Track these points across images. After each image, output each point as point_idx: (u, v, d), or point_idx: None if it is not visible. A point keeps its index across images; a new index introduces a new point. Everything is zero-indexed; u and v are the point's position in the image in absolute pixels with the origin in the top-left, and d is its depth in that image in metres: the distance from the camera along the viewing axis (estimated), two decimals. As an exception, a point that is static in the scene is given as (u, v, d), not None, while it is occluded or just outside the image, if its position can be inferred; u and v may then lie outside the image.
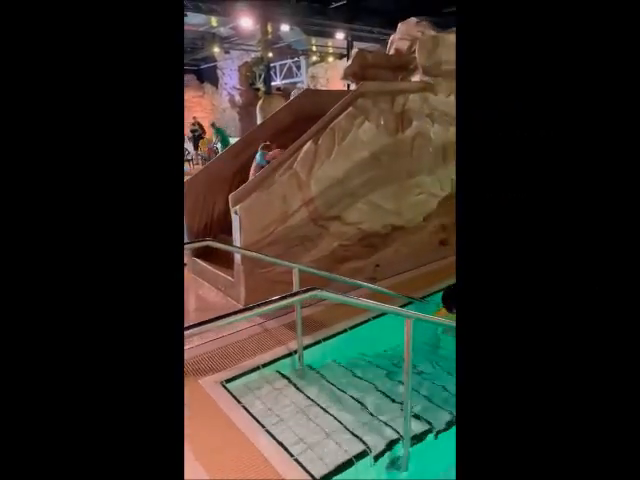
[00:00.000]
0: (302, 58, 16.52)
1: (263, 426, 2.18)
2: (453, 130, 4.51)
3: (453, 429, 2.36)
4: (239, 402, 2.38)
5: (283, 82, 17.65)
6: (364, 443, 2.10)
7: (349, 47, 13.29)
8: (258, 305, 1.57)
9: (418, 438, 2.23)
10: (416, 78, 4.60)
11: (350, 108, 3.74)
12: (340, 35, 13.25)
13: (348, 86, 8.25)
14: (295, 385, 2.61)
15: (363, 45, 13.03)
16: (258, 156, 4.44)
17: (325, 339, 3.06)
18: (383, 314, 3.23)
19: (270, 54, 12.92)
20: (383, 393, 2.62)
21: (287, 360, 2.85)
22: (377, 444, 2.13)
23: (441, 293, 3.80)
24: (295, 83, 17.22)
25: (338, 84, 12.35)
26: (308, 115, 4.43)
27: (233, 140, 9.16)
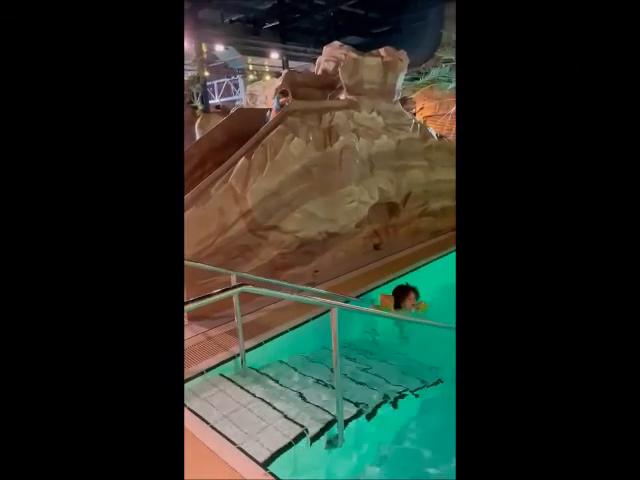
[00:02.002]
0: (239, 77, 16.76)
1: (207, 423, 2.32)
2: (378, 143, 4.95)
3: (383, 407, 2.64)
4: (184, 405, 2.49)
5: (222, 100, 17.76)
6: (302, 427, 2.31)
7: (285, 66, 13.74)
8: (194, 300, 1.74)
9: (352, 418, 2.47)
10: (342, 97, 5.00)
11: (280, 125, 4.02)
12: (275, 55, 13.67)
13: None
14: (238, 385, 2.77)
15: (298, 64, 13.56)
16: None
17: (267, 341, 3.24)
18: (321, 314, 3.49)
19: (206, 73, 13.03)
20: (322, 384, 2.85)
21: (231, 363, 3.00)
22: (314, 427, 2.34)
23: (375, 291, 4.17)
24: (234, 101, 17.39)
25: (276, 101, 12.71)
26: (242, 133, 4.66)
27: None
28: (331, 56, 5.26)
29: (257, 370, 3.01)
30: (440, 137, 5.88)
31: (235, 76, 16.89)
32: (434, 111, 13.34)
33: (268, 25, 13.04)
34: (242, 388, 2.73)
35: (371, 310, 3.20)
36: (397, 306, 3.85)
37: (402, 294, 3.89)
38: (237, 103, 16.72)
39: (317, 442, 2.31)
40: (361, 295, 4.08)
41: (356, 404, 2.58)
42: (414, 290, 3.89)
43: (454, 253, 5.73)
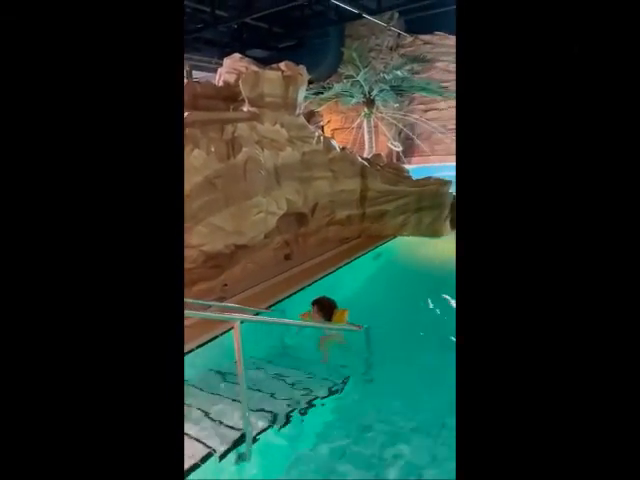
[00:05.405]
0: (140, 85, 15.90)
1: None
2: (283, 155, 5.04)
3: (293, 419, 2.66)
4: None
5: (121, 109, 16.66)
6: (209, 447, 2.24)
7: (189, 76, 13.34)
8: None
9: (262, 432, 2.45)
10: (245, 109, 5.01)
11: (179, 137, 3.89)
12: (178, 64, 13.21)
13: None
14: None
15: (203, 74, 13.27)
16: None
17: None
18: (230, 329, 3.41)
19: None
20: (231, 399, 2.79)
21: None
22: (222, 445, 2.28)
23: (286, 300, 4.20)
24: (135, 110, 16.43)
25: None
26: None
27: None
28: (232, 68, 5.26)
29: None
30: (342, 149, 6.17)
31: (135, 85, 15.98)
32: (341, 124, 13.97)
33: (169, 34, 12.58)
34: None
35: (279, 320, 3.22)
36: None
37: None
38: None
39: (226, 460, 2.26)
40: (272, 305, 4.08)
41: (268, 413, 2.56)
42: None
43: (361, 258, 5.99)
